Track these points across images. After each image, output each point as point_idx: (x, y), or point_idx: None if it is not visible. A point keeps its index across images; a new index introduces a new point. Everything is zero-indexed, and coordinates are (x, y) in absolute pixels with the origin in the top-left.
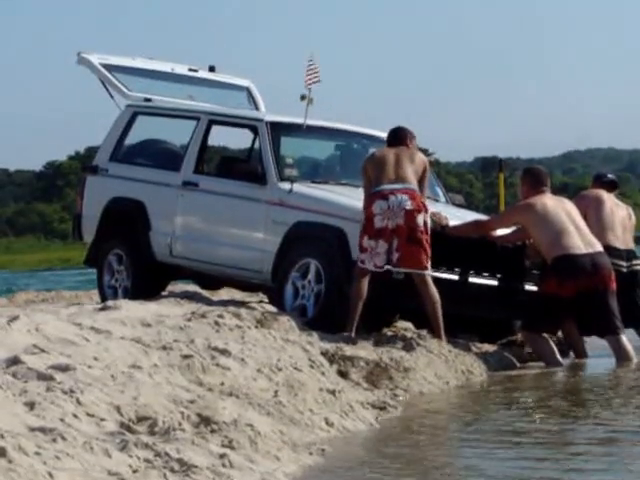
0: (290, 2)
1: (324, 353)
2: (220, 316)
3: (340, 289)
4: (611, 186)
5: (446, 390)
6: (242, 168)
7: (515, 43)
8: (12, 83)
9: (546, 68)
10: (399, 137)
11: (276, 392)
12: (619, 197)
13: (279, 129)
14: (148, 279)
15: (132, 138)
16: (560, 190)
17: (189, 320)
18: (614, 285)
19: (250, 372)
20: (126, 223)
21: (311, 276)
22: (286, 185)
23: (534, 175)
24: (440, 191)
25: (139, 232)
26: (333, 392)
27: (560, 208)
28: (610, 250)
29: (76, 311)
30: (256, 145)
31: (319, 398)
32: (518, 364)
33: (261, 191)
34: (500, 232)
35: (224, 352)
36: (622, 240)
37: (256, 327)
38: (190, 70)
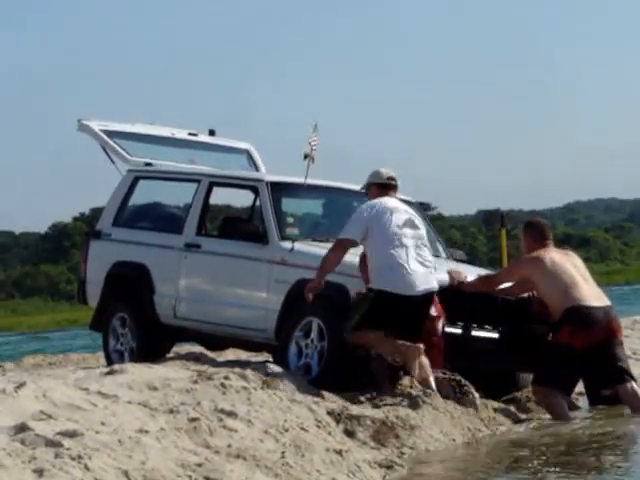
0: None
1: (330, 413)
2: (226, 378)
3: (343, 346)
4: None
5: (452, 447)
6: (243, 228)
7: (516, 95)
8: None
9: (547, 119)
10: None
11: (283, 453)
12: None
13: (279, 189)
14: (153, 341)
15: (134, 202)
16: (562, 241)
17: (195, 382)
18: (622, 335)
19: (257, 433)
20: (130, 286)
21: (314, 334)
22: (287, 244)
23: (536, 228)
24: (440, 247)
25: (143, 295)
26: (340, 452)
27: (567, 261)
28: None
29: (83, 375)
30: (257, 205)
31: (326, 458)
32: (523, 419)
33: (263, 250)
34: (503, 285)
35: (231, 414)
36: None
37: (262, 388)
38: (190, 134)
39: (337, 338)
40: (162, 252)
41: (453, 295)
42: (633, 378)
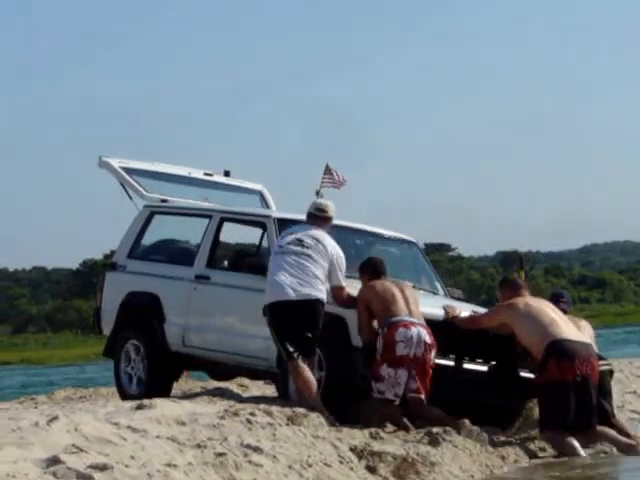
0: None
1: (353, 449)
2: (252, 414)
3: (341, 375)
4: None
5: None
6: (250, 262)
7: (532, 139)
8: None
9: (563, 163)
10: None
11: None
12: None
13: (285, 225)
14: (163, 368)
15: (149, 236)
16: (578, 283)
17: (222, 418)
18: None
19: (282, 468)
20: (142, 315)
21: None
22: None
23: (511, 284)
24: (438, 284)
25: (154, 323)
26: None
27: (543, 304)
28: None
29: (113, 410)
30: (264, 240)
31: None
32: (540, 455)
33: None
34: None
35: (256, 449)
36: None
37: (287, 424)
38: (205, 174)
39: (335, 368)
40: (173, 283)
41: (446, 328)
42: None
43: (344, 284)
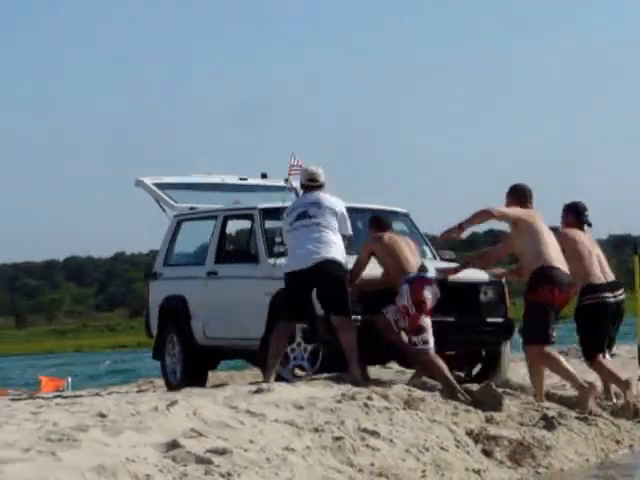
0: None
1: (469, 433)
2: (369, 398)
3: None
4: (586, 224)
5: (586, 467)
6: (242, 251)
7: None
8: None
9: None
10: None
11: (424, 472)
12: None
13: (269, 214)
14: (194, 360)
15: (179, 243)
16: None
17: (339, 402)
18: None
19: (398, 452)
20: (175, 316)
21: (299, 338)
22: (272, 261)
23: (519, 192)
24: (428, 249)
25: (183, 321)
26: (478, 471)
27: (545, 227)
28: (592, 288)
29: (232, 394)
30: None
31: (465, 477)
32: None
33: (256, 269)
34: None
35: (373, 433)
36: (600, 274)
37: (404, 408)
38: (240, 179)
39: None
40: (193, 283)
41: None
42: None
43: (351, 232)
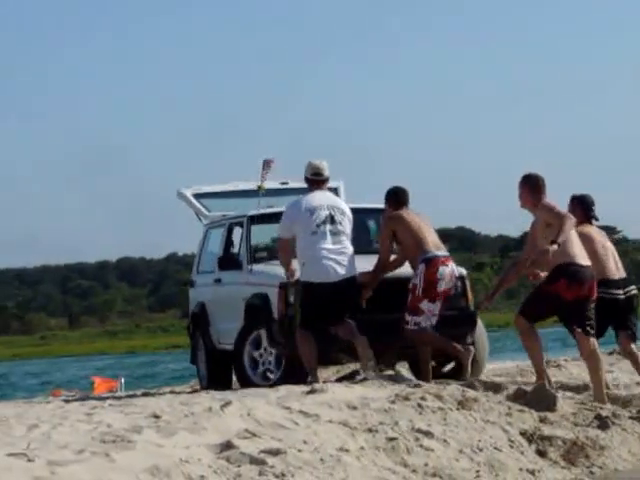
0: None
1: (523, 433)
2: (423, 398)
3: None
4: (594, 218)
5: (639, 467)
6: (234, 258)
7: None
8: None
9: None
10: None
11: (478, 472)
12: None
13: (256, 221)
14: (215, 365)
15: (208, 251)
16: None
17: (393, 402)
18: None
19: (452, 453)
20: (199, 322)
21: (265, 343)
22: (250, 266)
23: (533, 181)
24: None
25: (205, 327)
26: (532, 472)
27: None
28: (607, 282)
29: (285, 394)
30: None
31: (519, 477)
32: None
33: (239, 275)
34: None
35: (427, 434)
36: (615, 270)
37: (457, 409)
38: (282, 183)
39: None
40: (208, 290)
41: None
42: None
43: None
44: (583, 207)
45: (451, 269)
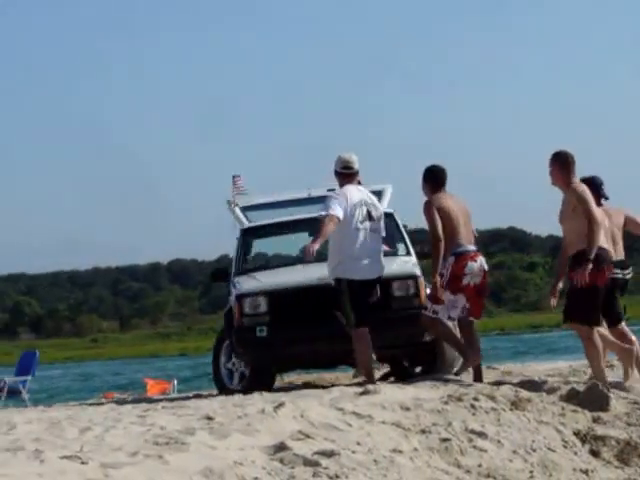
0: None
1: (576, 433)
2: (476, 399)
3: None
4: (603, 197)
5: None
6: (223, 270)
7: None
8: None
9: None
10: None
11: (531, 473)
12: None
13: (249, 232)
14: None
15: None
16: None
17: (446, 403)
18: None
19: (506, 453)
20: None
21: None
22: (235, 278)
23: (562, 158)
24: (403, 245)
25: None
26: (586, 472)
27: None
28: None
29: (338, 395)
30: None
31: (573, 478)
32: None
33: (230, 286)
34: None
35: (481, 434)
36: (617, 251)
37: (511, 409)
38: (329, 190)
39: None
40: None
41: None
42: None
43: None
44: (592, 189)
45: (479, 264)
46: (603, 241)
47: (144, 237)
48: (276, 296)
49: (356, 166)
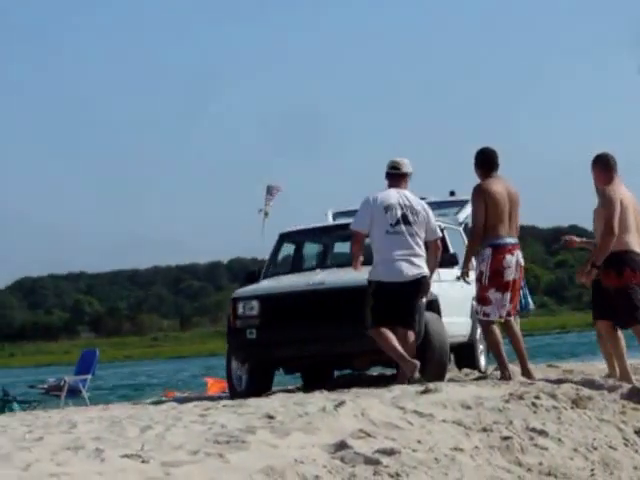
0: None
1: (637, 431)
2: (537, 397)
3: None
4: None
5: None
6: (253, 274)
7: None
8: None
9: None
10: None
11: (592, 471)
12: None
13: (283, 237)
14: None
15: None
16: None
17: (507, 402)
18: None
19: (567, 452)
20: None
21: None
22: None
23: (603, 162)
24: None
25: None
26: None
27: (632, 203)
28: (634, 255)
29: (399, 394)
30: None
31: (634, 476)
32: None
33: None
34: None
35: (542, 433)
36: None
37: (572, 407)
38: (450, 194)
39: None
40: None
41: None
42: None
43: (439, 234)
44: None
45: (517, 258)
46: (637, 244)
47: (204, 236)
48: (267, 300)
49: (404, 169)
